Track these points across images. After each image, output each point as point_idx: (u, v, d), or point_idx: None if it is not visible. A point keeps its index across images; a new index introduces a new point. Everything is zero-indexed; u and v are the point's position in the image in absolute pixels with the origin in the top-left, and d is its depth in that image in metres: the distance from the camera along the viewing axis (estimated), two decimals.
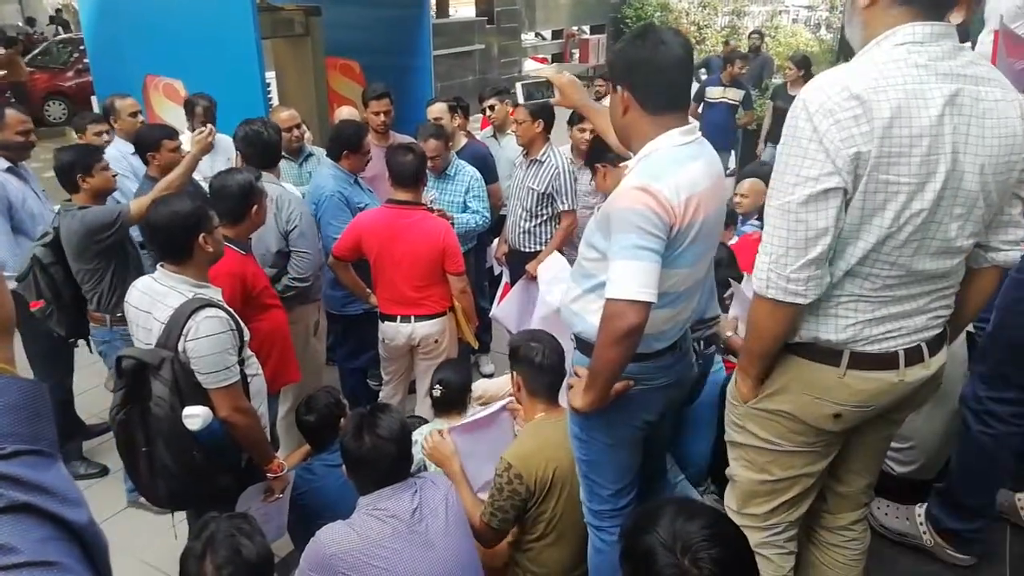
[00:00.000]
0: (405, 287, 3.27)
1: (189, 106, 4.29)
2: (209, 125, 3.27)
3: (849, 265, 1.54)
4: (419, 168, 3.23)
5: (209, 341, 2.12)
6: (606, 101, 2.59)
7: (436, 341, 3.36)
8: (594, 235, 1.86)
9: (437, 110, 4.29)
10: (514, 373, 2.40)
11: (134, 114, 4.16)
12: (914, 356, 1.62)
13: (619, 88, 1.79)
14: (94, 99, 5.64)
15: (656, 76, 1.73)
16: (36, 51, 14.09)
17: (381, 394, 3.64)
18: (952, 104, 1.42)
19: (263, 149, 3.24)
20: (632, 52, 1.76)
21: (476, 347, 4.01)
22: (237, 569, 1.62)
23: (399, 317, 3.32)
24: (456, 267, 3.27)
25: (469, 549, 2.09)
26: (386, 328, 3.38)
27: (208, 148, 3.24)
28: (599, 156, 2.76)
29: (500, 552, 2.42)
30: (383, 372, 3.59)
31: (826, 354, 1.63)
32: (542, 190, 3.83)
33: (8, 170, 3.44)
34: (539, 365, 2.30)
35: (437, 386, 2.87)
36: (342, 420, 2.69)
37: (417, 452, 2.50)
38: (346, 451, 2.04)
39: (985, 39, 4.29)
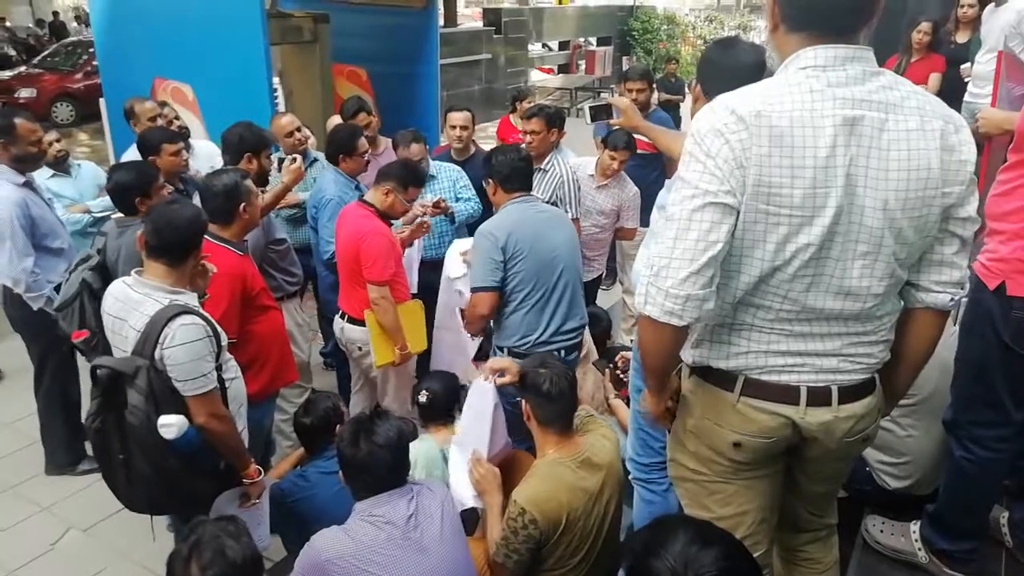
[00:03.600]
0: (342, 283, 3.32)
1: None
2: (298, 157, 3.30)
3: (735, 297, 1.47)
4: (401, 172, 3.25)
5: (185, 348, 2.11)
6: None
7: (360, 348, 3.32)
8: (664, 198, 2.04)
9: (462, 119, 4.28)
10: (523, 401, 2.33)
11: (153, 118, 4.13)
12: (820, 396, 1.52)
13: (693, 82, 2.06)
14: (102, 101, 5.68)
15: (717, 73, 1.93)
16: (45, 53, 14.23)
17: (351, 403, 3.58)
18: (850, 134, 1.33)
19: (232, 146, 3.31)
20: (709, 53, 2.11)
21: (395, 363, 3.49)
22: (223, 570, 1.62)
23: (340, 312, 3.37)
24: (372, 274, 3.10)
25: (464, 556, 2.09)
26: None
27: (300, 178, 3.27)
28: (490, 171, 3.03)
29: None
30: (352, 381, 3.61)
31: (722, 377, 1.57)
32: (546, 198, 3.83)
33: (24, 184, 3.31)
34: (547, 393, 2.22)
35: (424, 392, 2.82)
36: (338, 427, 2.69)
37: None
38: (342, 457, 2.04)
39: (982, 59, 4.31)
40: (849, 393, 1.55)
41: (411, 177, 3.30)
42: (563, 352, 2.92)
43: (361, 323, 3.24)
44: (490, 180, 3.01)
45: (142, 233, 2.24)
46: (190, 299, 2.25)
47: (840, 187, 1.35)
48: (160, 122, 4.13)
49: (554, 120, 3.83)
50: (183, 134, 4.17)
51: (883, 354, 1.58)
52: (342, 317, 3.36)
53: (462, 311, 3.24)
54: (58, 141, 3.96)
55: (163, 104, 4.33)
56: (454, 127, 4.28)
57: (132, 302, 2.20)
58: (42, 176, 3.80)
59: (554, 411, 2.24)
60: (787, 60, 1.43)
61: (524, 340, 2.89)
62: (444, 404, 2.86)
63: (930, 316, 1.58)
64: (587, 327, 3.28)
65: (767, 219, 1.37)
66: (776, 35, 1.48)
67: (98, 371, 2.14)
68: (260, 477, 2.45)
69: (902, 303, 1.58)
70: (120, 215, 2.95)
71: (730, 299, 1.48)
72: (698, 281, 1.38)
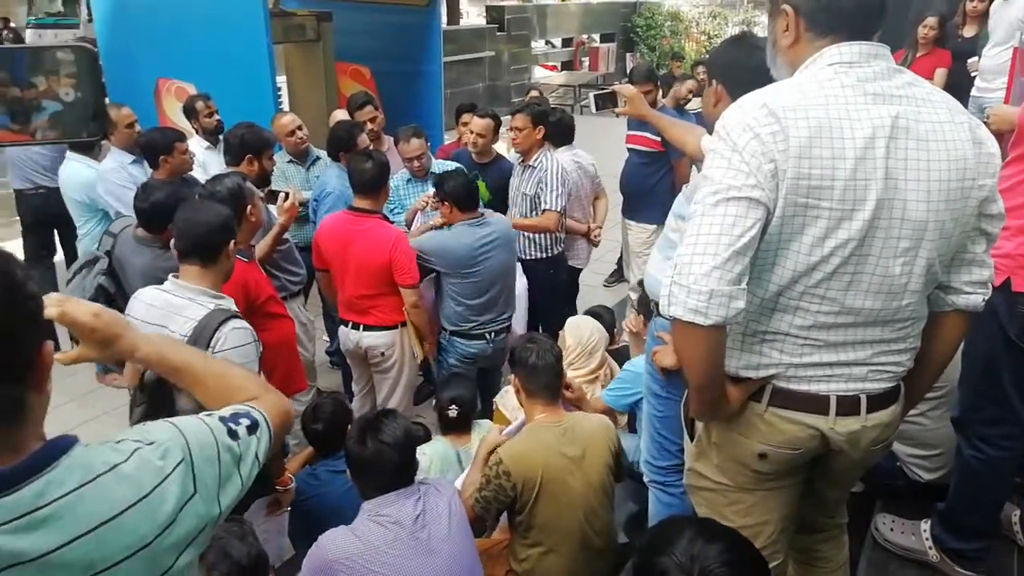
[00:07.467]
0: (354, 294, 3.25)
1: (190, 110, 4.25)
2: (291, 192, 3.21)
3: (767, 292, 1.42)
4: (376, 176, 3.16)
5: (238, 352, 2.09)
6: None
7: (383, 354, 3.29)
8: (681, 206, 2.00)
9: (479, 126, 4.10)
10: (513, 376, 2.45)
11: (131, 125, 3.99)
12: (849, 406, 1.49)
13: (714, 82, 1.92)
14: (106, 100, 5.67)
15: (745, 75, 1.80)
16: None
17: (353, 405, 3.56)
18: (891, 127, 1.33)
19: (233, 148, 3.34)
20: (731, 53, 1.98)
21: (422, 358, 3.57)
22: (228, 570, 1.62)
23: (351, 323, 3.31)
24: (406, 279, 3.15)
25: (471, 556, 2.09)
26: (341, 332, 3.40)
27: (294, 216, 3.20)
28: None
29: (501, 562, 2.42)
30: (354, 381, 3.59)
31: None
32: (531, 193, 3.84)
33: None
34: (533, 366, 2.34)
35: (452, 406, 2.81)
36: (348, 426, 2.68)
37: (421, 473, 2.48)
38: (350, 455, 2.05)
39: (989, 52, 4.27)
40: (876, 401, 1.52)
41: (382, 165, 3.22)
42: (492, 335, 3.46)
43: (381, 328, 3.24)
44: (445, 202, 3.29)
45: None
46: (230, 304, 2.25)
47: (880, 179, 1.33)
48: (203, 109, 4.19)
49: (540, 118, 3.82)
50: (219, 128, 4.16)
51: (910, 363, 1.56)
52: (356, 328, 3.29)
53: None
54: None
55: (207, 96, 4.26)
56: (471, 132, 4.21)
57: (174, 307, 2.18)
58: (88, 171, 4.01)
59: (540, 382, 2.37)
60: (807, 61, 1.42)
61: (457, 327, 3.42)
62: (470, 413, 2.85)
63: (959, 319, 1.56)
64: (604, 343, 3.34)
65: (806, 212, 1.34)
66: (796, 48, 1.46)
67: (145, 376, 2.09)
68: (291, 484, 2.44)
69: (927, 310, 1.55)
70: (144, 233, 2.88)
71: (762, 293, 1.44)
72: (724, 276, 1.31)
